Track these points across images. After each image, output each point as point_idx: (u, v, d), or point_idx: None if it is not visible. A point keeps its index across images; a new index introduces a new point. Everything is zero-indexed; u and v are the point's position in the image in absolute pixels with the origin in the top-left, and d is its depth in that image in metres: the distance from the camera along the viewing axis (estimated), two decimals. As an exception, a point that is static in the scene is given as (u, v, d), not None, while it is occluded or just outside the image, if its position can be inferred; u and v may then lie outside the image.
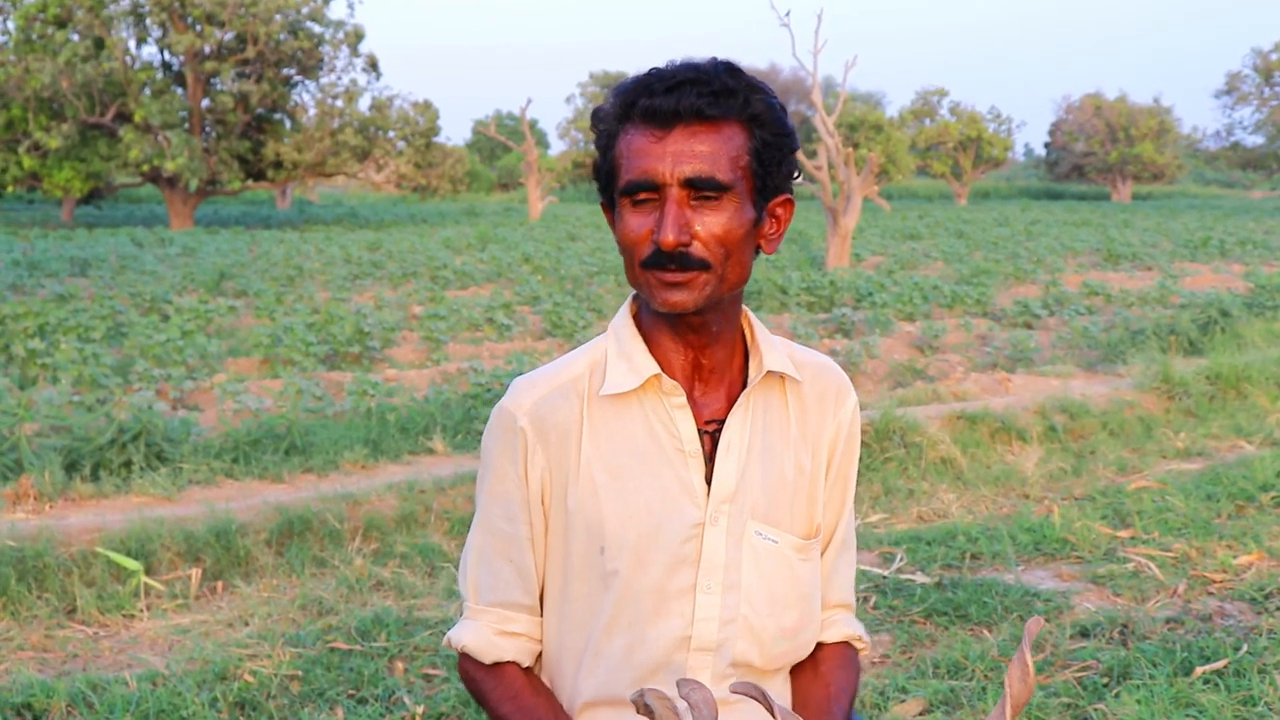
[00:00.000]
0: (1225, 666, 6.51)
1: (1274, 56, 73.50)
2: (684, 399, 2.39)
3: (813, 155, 29.88)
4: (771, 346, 2.44)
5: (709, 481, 2.38)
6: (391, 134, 53.45)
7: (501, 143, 72.63)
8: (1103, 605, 7.57)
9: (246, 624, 7.27)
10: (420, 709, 6.01)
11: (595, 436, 2.40)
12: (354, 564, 8.15)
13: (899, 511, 9.56)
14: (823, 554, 2.55)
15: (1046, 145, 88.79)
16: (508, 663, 2.45)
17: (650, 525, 2.36)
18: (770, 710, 2.05)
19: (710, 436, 2.40)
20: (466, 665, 2.49)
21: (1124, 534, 8.88)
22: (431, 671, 6.52)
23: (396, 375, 14.16)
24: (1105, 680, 6.37)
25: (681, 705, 2.11)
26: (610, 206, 2.39)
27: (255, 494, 9.06)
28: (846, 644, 2.57)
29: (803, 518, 2.44)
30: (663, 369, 2.40)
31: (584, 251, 31.47)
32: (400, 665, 6.60)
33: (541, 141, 73.94)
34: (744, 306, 2.47)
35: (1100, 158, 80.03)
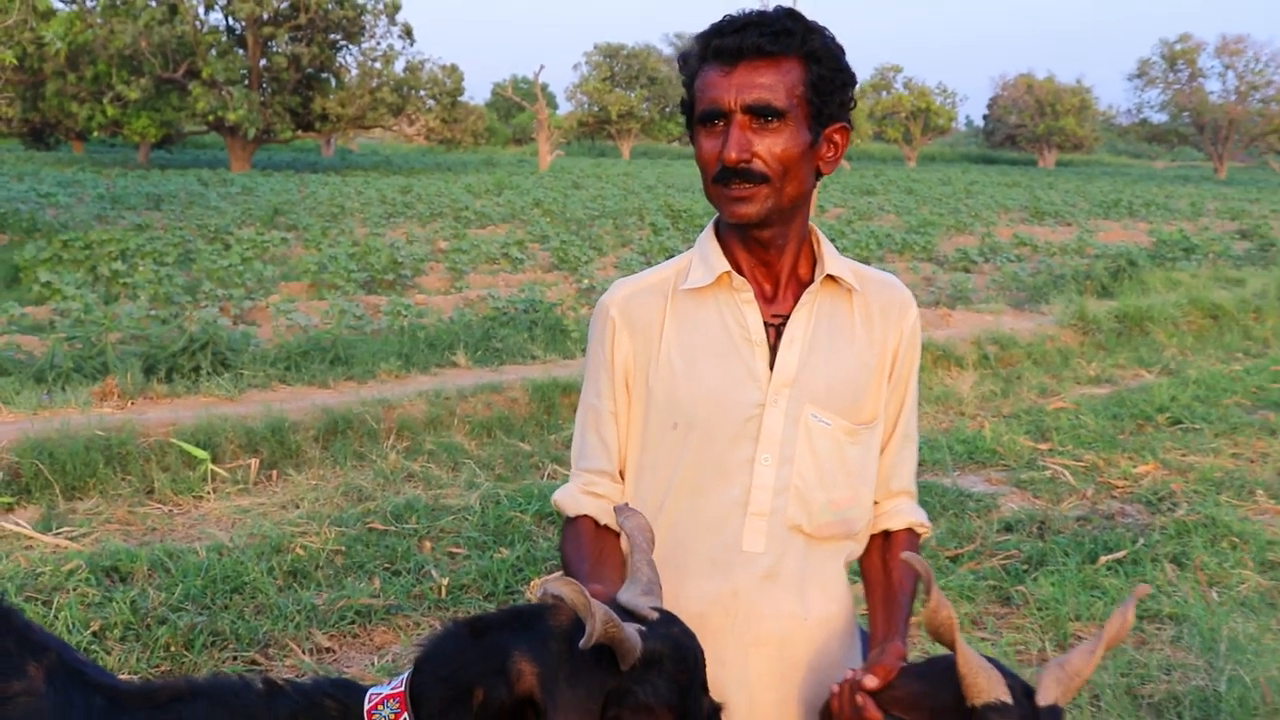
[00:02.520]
0: (1124, 556, 6.60)
1: (1178, 46, 73.41)
2: (751, 295, 2.40)
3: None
4: (835, 258, 2.44)
5: (773, 368, 2.39)
6: (422, 93, 53.19)
7: (517, 103, 72.15)
8: (1024, 505, 7.64)
9: (298, 506, 7.30)
10: (445, 581, 6.06)
11: (676, 327, 2.42)
12: (389, 458, 8.17)
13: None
14: (885, 447, 2.55)
15: (985, 117, 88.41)
16: (584, 517, 2.46)
17: (717, 403, 2.37)
18: (931, 585, 2.09)
19: (776, 330, 2.40)
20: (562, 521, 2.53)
21: (1043, 446, 8.94)
22: (455, 550, 6.57)
23: (425, 299, 14.16)
24: (1025, 567, 6.45)
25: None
26: (693, 137, 2.39)
27: (305, 397, 9.08)
28: (910, 530, 2.56)
29: (861, 407, 2.44)
30: (735, 270, 2.41)
31: (586, 198, 31.38)
32: (428, 544, 6.63)
33: (551, 103, 73.53)
34: (812, 224, 2.47)
35: (1030, 129, 79.77)
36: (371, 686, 2.13)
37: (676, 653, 1.97)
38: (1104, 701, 4.99)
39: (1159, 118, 77.71)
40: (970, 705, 2.01)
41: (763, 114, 2.26)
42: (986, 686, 2.00)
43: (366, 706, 2.07)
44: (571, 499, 2.48)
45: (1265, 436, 9.39)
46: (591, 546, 2.42)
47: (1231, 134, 71.04)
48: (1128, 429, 9.56)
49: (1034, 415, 9.93)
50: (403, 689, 2.06)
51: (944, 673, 2.07)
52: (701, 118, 2.32)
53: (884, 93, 77.91)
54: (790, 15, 2.31)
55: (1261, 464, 8.68)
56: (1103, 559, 6.54)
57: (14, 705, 2.17)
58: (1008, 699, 2.00)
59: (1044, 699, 2.03)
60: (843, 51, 2.35)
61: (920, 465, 8.28)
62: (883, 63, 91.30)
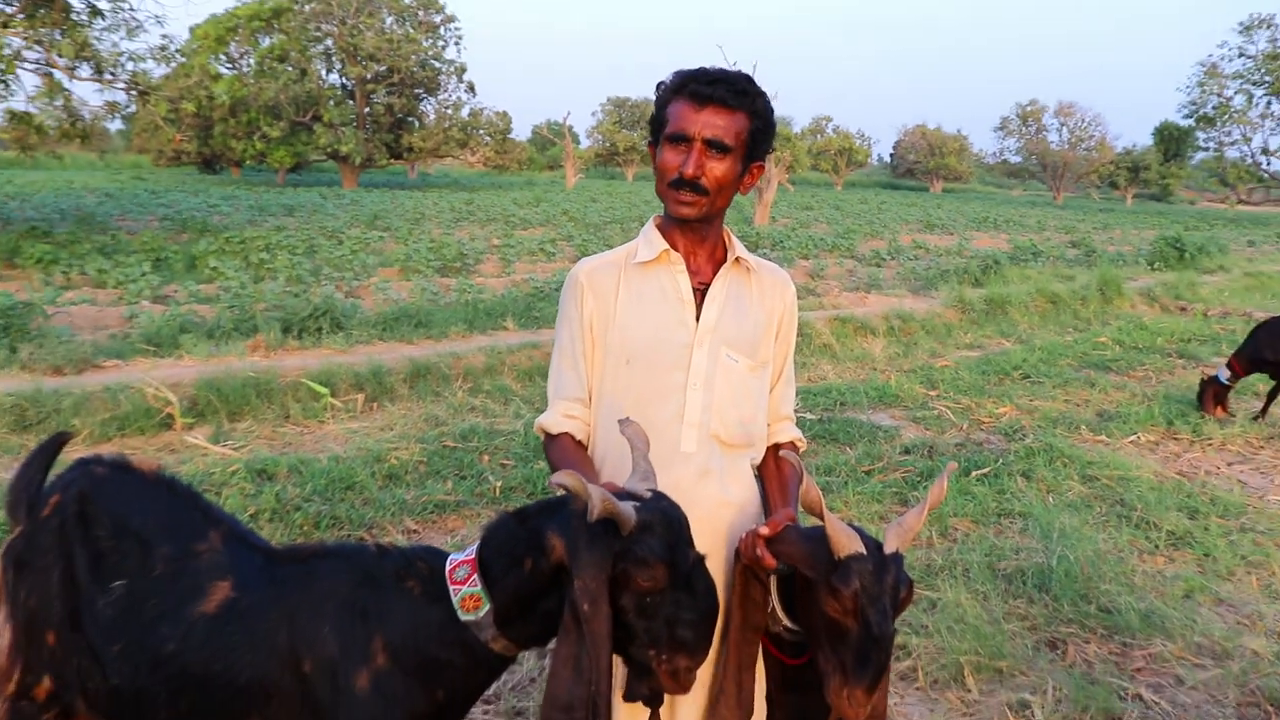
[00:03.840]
0: (989, 472, 6.64)
1: (1028, 108, 73.18)
2: (684, 266, 2.43)
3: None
4: (741, 249, 2.49)
5: (698, 320, 2.42)
6: (481, 132, 52.92)
7: (550, 139, 71.85)
8: (919, 435, 7.67)
9: (392, 429, 7.34)
10: (499, 484, 6.10)
11: (627, 290, 2.44)
12: (457, 395, 8.19)
13: (797, 377, 9.65)
14: (774, 386, 2.58)
15: (891, 154, 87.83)
16: (564, 433, 2.47)
17: (658, 343, 2.40)
18: (803, 474, 2.19)
19: (701, 293, 2.44)
20: (543, 439, 2.53)
21: (933, 393, 8.96)
22: (506, 462, 6.60)
23: (483, 281, 14.14)
24: (919, 478, 6.48)
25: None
26: (655, 145, 2.42)
27: (396, 351, 9.09)
28: (792, 443, 2.60)
29: (757, 352, 2.47)
30: (672, 249, 2.45)
31: (602, 209, 31.27)
32: (486, 457, 6.66)
33: (575, 139, 72.78)
34: (725, 227, 2.51)
35: (923, 164, 79.41)
36: (450, 553, 2.17)
37: (664, 519, 1.98)
38: (972, 573, 5.04)
39: (1015, 159, 77.77)
40: (837, 557, 2.07)
41: (716, 147, 2.30)
42: (847, 543, 2.06)
43: (448, 567, 2.10)
44: (554, 421, 2.48)
45: (1087, 388, 9.43)
46: (575, 454, 2.41)
47: (1065, 172, 70.90)
48: (992, 381, 9.59)
49: (926, 370, 9.95)
50: (473, 556, 2.09)
51: (819, 536, 2.12)
52: (670, 137, 2.33)
53: (819, 135, 77.26)
54: (748, 81, 2.34)
55: (1085, 407, 8.72)
56: (974, 473, 6.59)
57: (201, 559, 2.21)
58: (863, 550, 2.06)
59: (889, 548, 2.10)
60: (773, 113, 2.39)
61: (842, 406, 8.37)
62: (818, 114, 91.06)
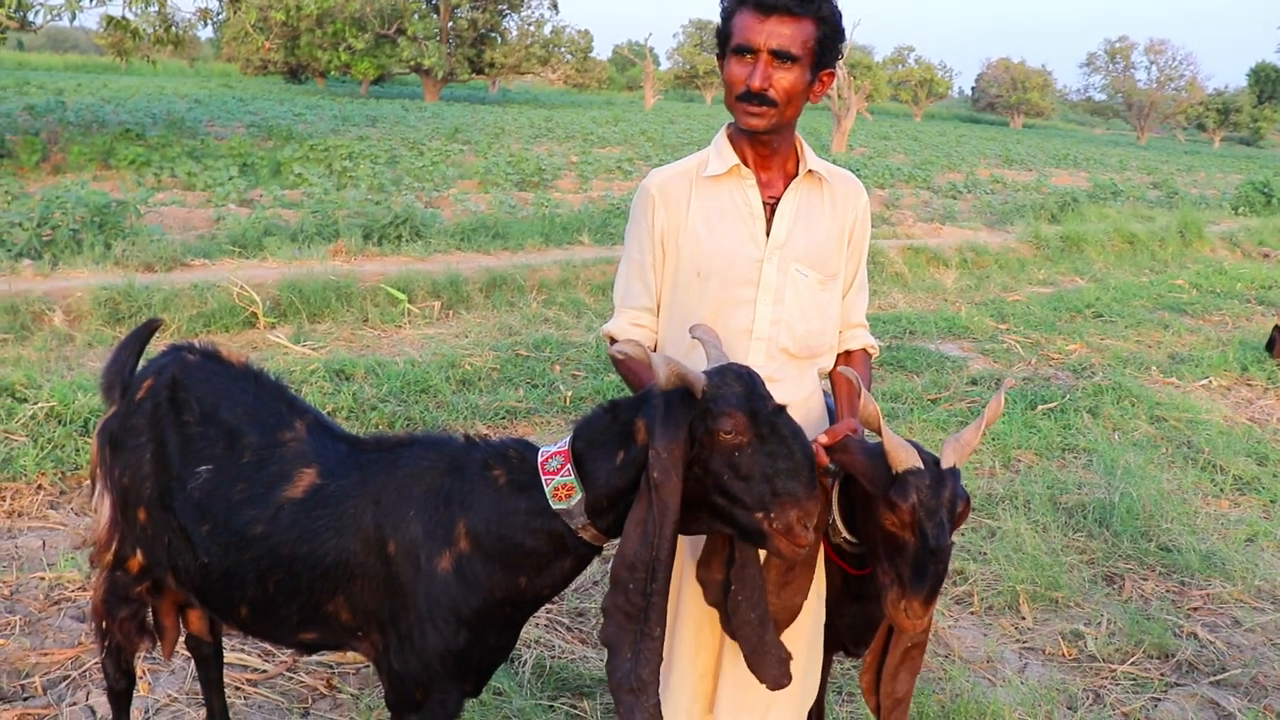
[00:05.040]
0: (1055, 407, 6.54)
1: (1117, 45, 70.58)
2: (754, 181, 2.39)
3: (826, 82, 29.14)
4: (814, 158, 2.43)
5: (768, 235, 2.39)
6: (562, 50, 52.51)
7: (630, 60, 71.04)
8: (987, 367, 7.57)
9: (467, 336, 7.41)
10: (569, 393, 6.14)
11: (699, 203, 2.40)
12: (531, 306, 8.24)
13: (868, 305, 9.59)
14: (847, 293, 2.55)
15: (973, 88, 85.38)
16: (631, 340, 2.47)
17: (729, 258, 2.37)
18: (866, 386, 2.19)
19: (771, 207, 2.40)
20: (609, 345, 2.54)
21: (1003, 326, 8.82)
22: (576, 373, 6.64)
23: (560, 196, 14.09)
24: (984, 409, 6.41)
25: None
26: (722, 58, 2.36)
27: (473, 261, 9.14)
28: (864, 350, 2.59)
29: (828, 264, 2.43)
30: (742, 163, 2.40)
31: (679, 130, 30.91)
32: (558, 367, 6.71)
33: (655, 61, 71.58)
34: (797, 134, 2.44)
35: (1005, 99, 77.03)
36: (542, 445, 2.18)
37: (736, 376, 1.99)
38: (1033, 504, 5.00)
39: (1100, 97, 75.20)
40: (894, 471, 2.07)
41: (782, 57, 2.23)
42: (905, 457, 2.06)
43: (540, 458, 2.12)
44: (620, 328, 2.49)
45: (1160, 329, 9.21)
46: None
47: (1151, 112, 68.38)
48: (1063, 318, 9.40)
49: (997, 304, 9.78)
50: (566, 448, 2.10)
51: (878, 451, 2.12)
52: (735, 49, 2.26)
53: (900, 65, 75.33)
54: None
55: (1156, 349, 8.52)
56: (1040, 408, 6.49)
57: (288, 448, 2.26)
58: (919, 465, 2.06)
59: (946, 463, 2.09)
60: (841, 16, 2.30)
61: (911, 335, 8.28)
62: (900, 44, 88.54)
